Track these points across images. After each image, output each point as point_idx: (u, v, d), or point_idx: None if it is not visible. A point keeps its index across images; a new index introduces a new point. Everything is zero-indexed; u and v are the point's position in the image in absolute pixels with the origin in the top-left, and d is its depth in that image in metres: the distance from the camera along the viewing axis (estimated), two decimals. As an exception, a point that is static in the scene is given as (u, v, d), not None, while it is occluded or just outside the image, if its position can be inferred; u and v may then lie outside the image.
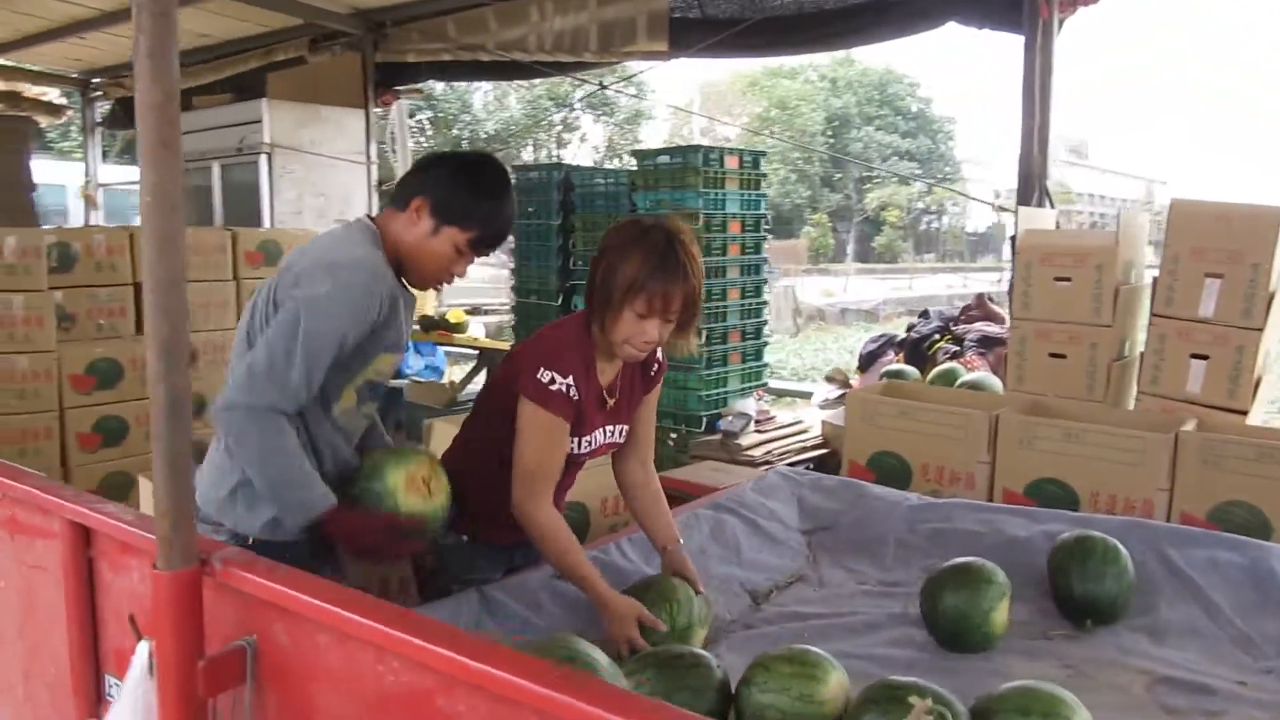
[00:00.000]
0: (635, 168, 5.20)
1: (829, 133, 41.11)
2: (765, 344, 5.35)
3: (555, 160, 33.02)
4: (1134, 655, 2.19)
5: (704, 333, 4.94)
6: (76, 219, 13.73)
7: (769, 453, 4.70)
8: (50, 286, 4.92)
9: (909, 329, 5.21)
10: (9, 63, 9.50)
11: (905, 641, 2.22)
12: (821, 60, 44.98)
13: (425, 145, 31.35)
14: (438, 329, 6.54)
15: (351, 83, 7.37)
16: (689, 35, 6.04)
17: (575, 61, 6.64)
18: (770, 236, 5.43)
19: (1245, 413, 3.60)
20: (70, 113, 10.57)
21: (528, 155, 33.46)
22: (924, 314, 5.31)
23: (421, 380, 6.59)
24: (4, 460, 2.07)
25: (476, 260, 2.14)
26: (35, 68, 9.87)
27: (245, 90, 7.96)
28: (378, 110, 7.90)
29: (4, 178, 7.78)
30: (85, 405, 5.02)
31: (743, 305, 5.18)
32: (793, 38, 5.74)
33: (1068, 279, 3.89)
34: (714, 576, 2.51)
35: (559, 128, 34.27)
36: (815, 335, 18.20)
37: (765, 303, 5.33)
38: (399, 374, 6.79)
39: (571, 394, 2.06)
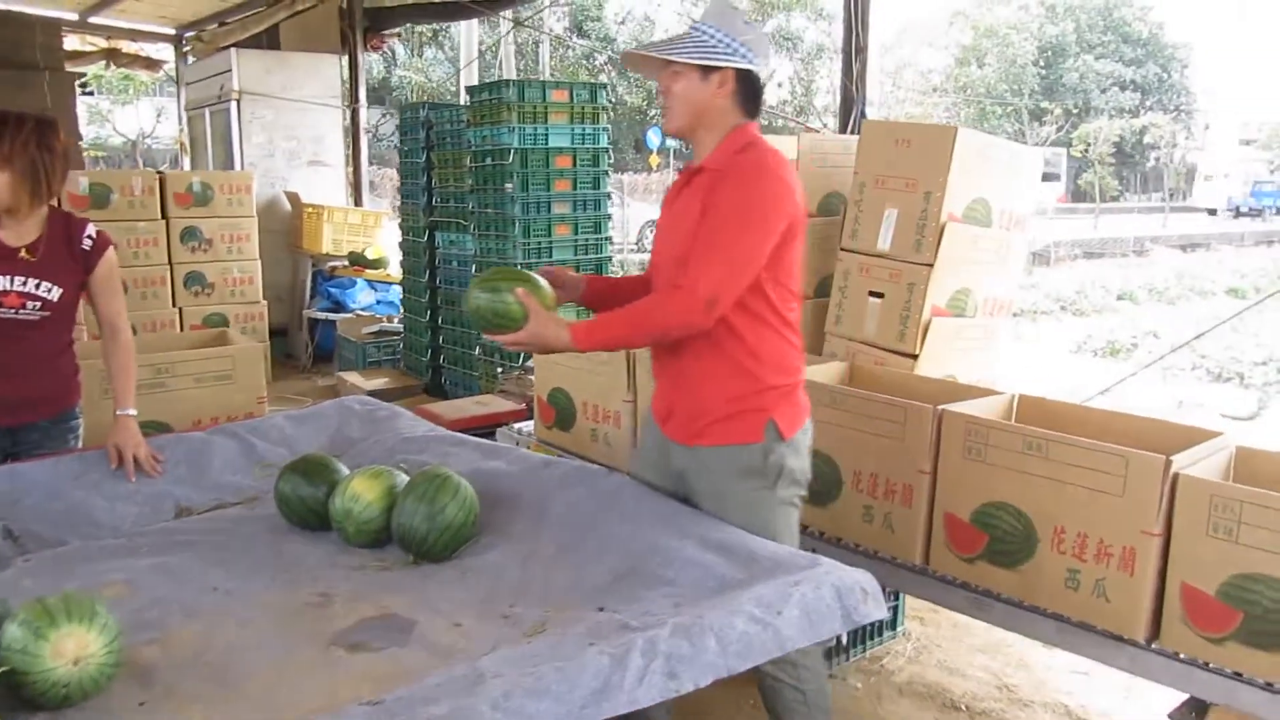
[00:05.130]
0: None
1: (1040, 63, 38.23)
2: (609, 281, 5.25)
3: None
4: (399, 591, 2.13)
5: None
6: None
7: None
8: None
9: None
10: (106, 21, 10.48)
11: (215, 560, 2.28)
12: (1041, -16, 41.79)
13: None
14: (357, 265, 6.80)
15: (324, 29, 7.70)
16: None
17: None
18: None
19: (914, 356, 3.28)
20: (167, 65, 11.53)
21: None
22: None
23: (364, 314, 6.88)
24: None
25: None
26: (131, 25, 10.85)
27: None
28: (370, 54, 8.22)
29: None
30: None
31: (575, 241, 5.11)
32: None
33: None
34: (153, 493, 2.63)
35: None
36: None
37: (608, 239, 5.23)
38: (342, 306, 7.13)
39: None
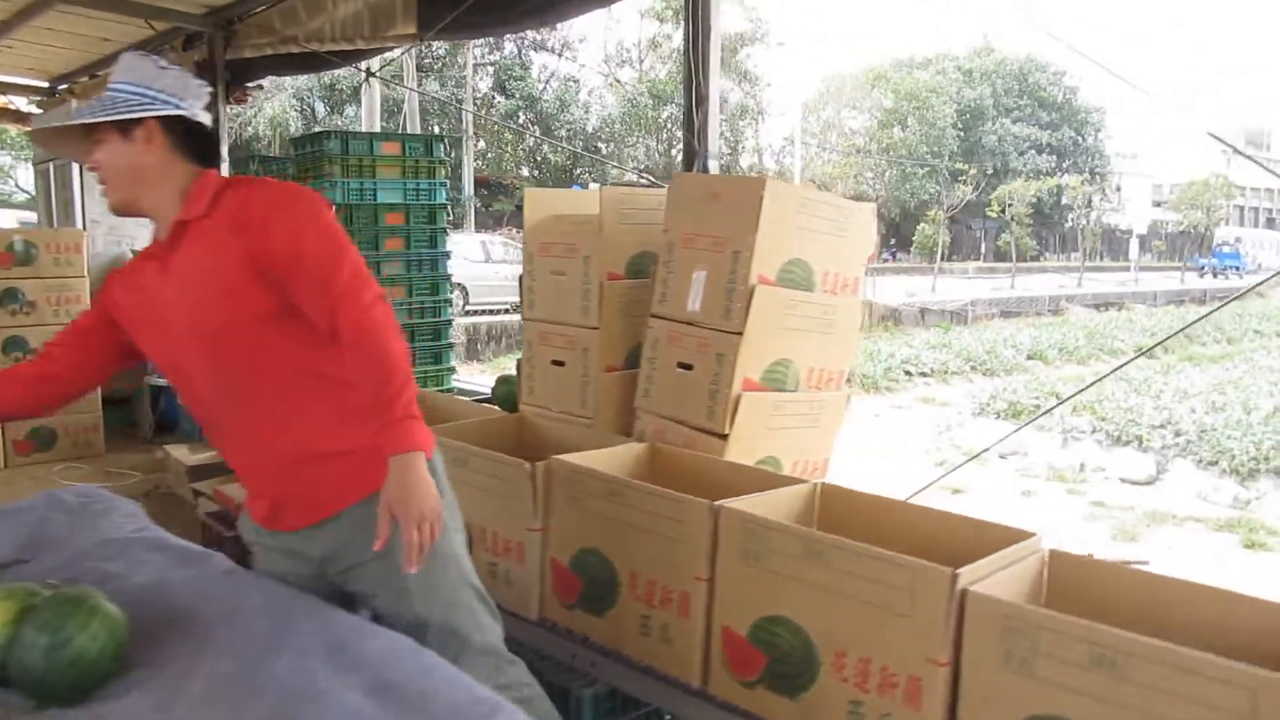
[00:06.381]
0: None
1: (959, 125, 39.07)
2: (449, 346, 4.86)
3: (662, 158, 32.56)
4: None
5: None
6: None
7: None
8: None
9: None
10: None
11: None
12: (957, 50, 43.02)
13: (530, 144, 31.71)
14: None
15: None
16: (435, 16, 5.65)
17: (356, 50, 6.32)
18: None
19: (724, 436, 2.91)
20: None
21: (640, 154, 33.09)
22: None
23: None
24: None
25: None
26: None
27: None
28: (233, 106, 7.81)
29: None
30: None
31: (409, 304, 4.71)
32: (515, 11, 5.26)
33: (563, 273, 3.27)
34: None
35: (667, 125, 33.71)
36: (880, 337, 17.09)
37: (446, 301, 4.83)
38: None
39: None
